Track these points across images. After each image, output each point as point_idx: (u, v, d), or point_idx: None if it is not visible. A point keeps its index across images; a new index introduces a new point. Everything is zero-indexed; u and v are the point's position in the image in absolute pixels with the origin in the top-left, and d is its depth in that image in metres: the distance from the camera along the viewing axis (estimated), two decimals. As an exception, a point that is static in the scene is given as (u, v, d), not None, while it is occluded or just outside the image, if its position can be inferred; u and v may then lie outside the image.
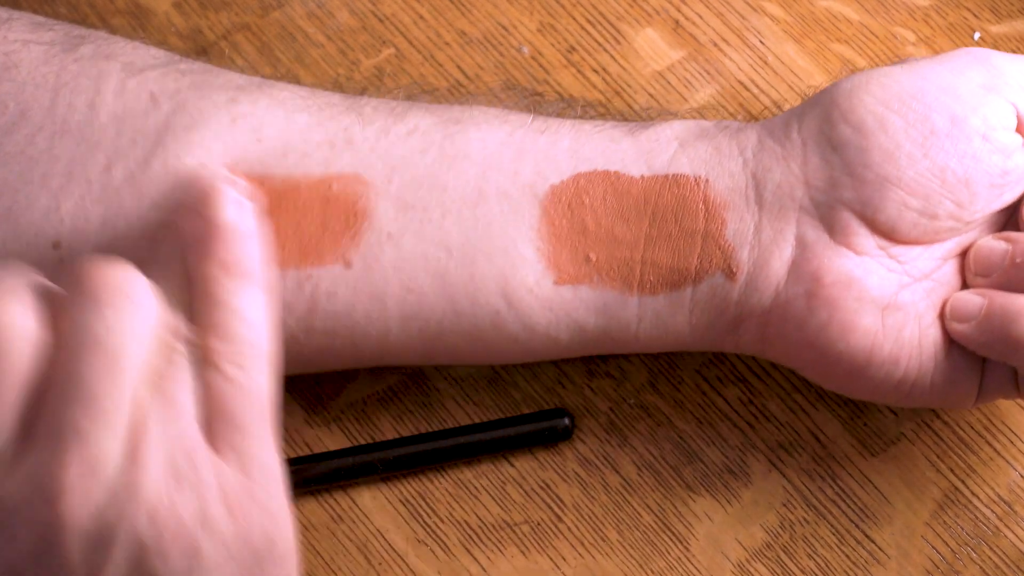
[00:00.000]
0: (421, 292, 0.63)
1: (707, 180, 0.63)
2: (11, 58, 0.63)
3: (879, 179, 0.61)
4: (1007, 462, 0.67)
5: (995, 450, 0.67)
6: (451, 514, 0.67)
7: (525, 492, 0.67)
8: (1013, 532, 0.66)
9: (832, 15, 0.75)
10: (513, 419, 0.67)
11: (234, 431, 0.55)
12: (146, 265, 0.57)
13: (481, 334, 0.63)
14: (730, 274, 0.63)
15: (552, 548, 0.66)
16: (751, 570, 0.66)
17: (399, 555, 0.66)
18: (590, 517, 0.67)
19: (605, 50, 0.74)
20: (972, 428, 0.68)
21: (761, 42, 0.74)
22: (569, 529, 0.66)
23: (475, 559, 0.66)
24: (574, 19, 0.75)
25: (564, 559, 0.66)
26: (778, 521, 0.66)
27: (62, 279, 0.54)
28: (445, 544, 0.66)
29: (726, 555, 0.66)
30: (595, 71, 0.74)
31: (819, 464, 0.67)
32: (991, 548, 0.66)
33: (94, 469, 0.52)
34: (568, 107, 0.70)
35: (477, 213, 0.63)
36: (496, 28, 0.75)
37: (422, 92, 0.72)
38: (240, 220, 0.58)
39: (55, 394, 0.53)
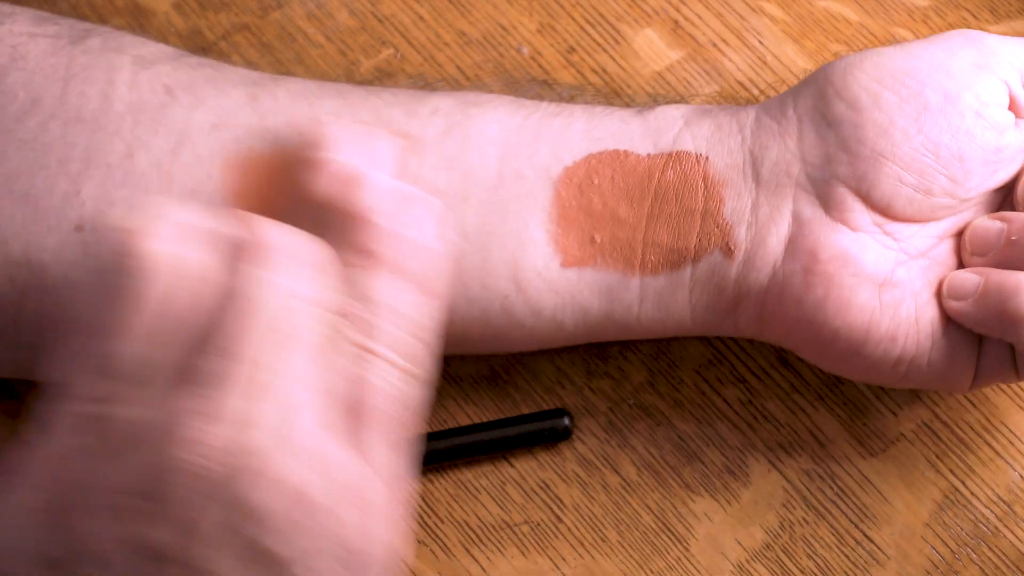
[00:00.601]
0: None
1: (707, 157, 0.63)
2: (18, 50, 0.63)
3: (874, 154, 0.62)
4: (1007, 463, 0.67)
5: (994, 451, 0.67)
6: (451, 514, 0.67)
7: (525, 492, 0.67)
8: (1012, 532, 0.66)
9: (831, 15, 0.75)
10: (513, 419, 0.67)
11: (367, 428, 0.54)
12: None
13: (490, 319, 0.63)
14: (728, 252, 0.63)
15: (552, 548, 0.66)
16: (751, 570, 0.66)
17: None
18: (590, 517, 0.67)
19: (604, 50, 0.74)
20: (972, 428, 0.68)
21: (760, 42, 0.74)
22: (569, 529, 0.66)
23: (475, 559, 0.66)
24: (573, 19, 0.75)
25: (564, 559, 0.66)
26: (778, 521, 0.66)
27: (244, 232, 0.53)
28: (445, 544, 0.66)
29: (726, 555, 0.66)
30: (594, 71, 0.74)
31: (818, 464, 0.67)
32: (990, 548, 0.66)
33: (217, 420, 0.51)
34: (578, 93, 0.71)
35: (495, 197, 0.63)
36: (496, 28, 0.75)
37: (425, 84, 0.72)
38: (430, 233, 0.57)
39: (207, 339, 0.52)
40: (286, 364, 0.53)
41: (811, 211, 0.62)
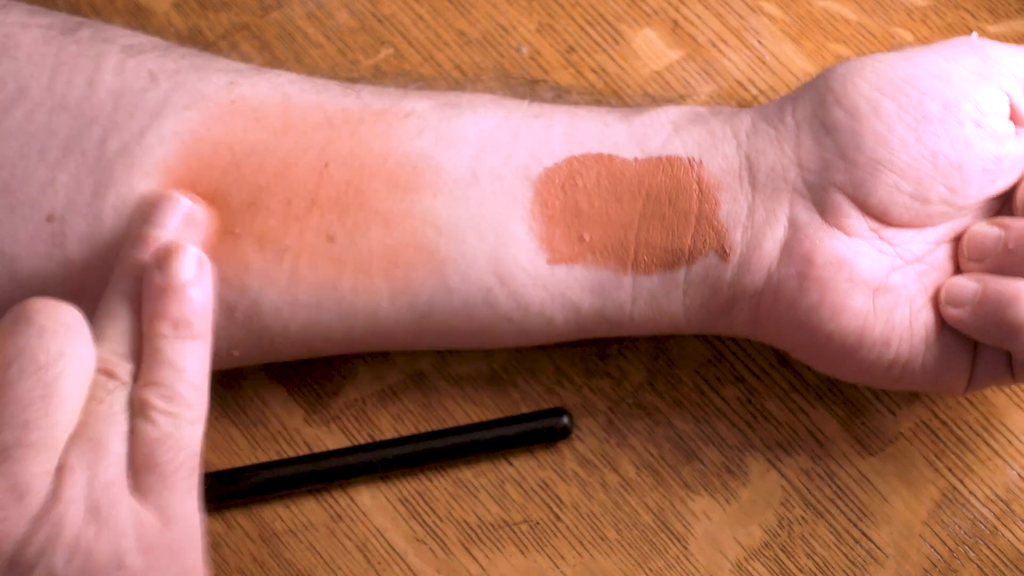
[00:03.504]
0: (409, 266, 0.63)
1: (700, 162, 0.63)
2: (10, 39, 0.64)
3: (871, 162, 0.62)
4: (1005, 461, 0.67)
5: (993, 449, 0.67)
6: (450, 513, 0.67)
7: (524, 491, 0.67)
8: (1010, 531, 0.66)
9: (830, 15, 0.75)
10: (512, 418, 0.67)
11: (158, 481, 0.56)
12: (94, 303, 0.59)
13: (473, 311, 0.64)
14: (723, 254, 0.63)
15: (551, 547, 0.66)
16: (749, 569, 0.66)
17: (398, 554, 0.66)
18: (589, 516, 0.67)
19: (604, 50, 0.75)
20: (970, 427, 0.68)
21: (759, 42, 0.75)
22: (568, 528, 0.67)
23: (474, 558, 0.66)
24: (573, 19, 0.75)
25: (563, 558, 0.66)
26: (776, 520, 0.66)
27: (5, 313, 0.56)
28: (444, 543, 0.66)
29: (724, 554, 0.66)
30: (594, 71, 0.74)
31: (817, 463, 0.67)
32: (988, 547, 0.66)
33: (21, 497, 0.53)
34: (560, 96, 0.71)
35: (469, 193, 0.63)
36: (495, 28, 0.75)
37: (424, 84, 0.72)
38: (197, 279, 0.59)
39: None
40: (69, 432, 0.55)
41: (807, 216, 0.62)
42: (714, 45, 0.75)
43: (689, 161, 0.63)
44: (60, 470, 0.54)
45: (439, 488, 0.67)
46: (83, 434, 0.55)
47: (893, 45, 0.74)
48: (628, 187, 0.63)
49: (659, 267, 0.63)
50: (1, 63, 0.63)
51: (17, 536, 0.53)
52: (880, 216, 0.62)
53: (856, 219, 0.62)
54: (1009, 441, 0.67)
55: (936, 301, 0.63)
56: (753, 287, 0.63)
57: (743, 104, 0.73)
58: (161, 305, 0.59)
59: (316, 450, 0.68)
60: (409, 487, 0.67)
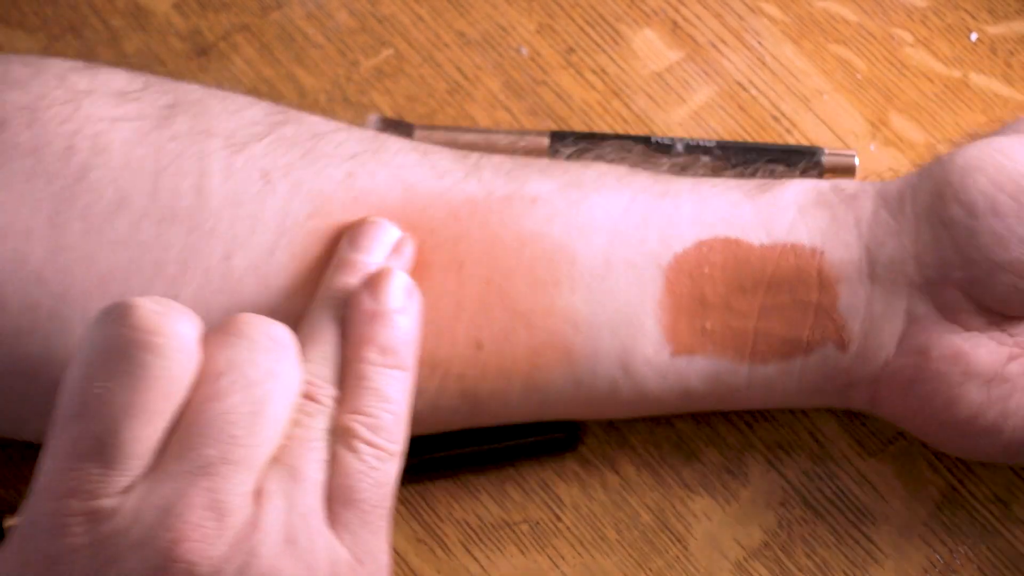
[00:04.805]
0: (548, 367, 0.62)
1: (823, 252, 0.62)
2: (99, 141, 0.60)
3: (988, 262, 0.60)
4: (1004, 462, 0.67)
5: (992, 450, 0.67)
6: (450, 513, 0.67)
7: (524, 491, 0.67)
8: (1010, 532, 0.66)
9: (830, 16, 0.75)
10: (517, 427, 0.67)
11: (355, 515, 0.54)
12: (298, 324, 0.57)
13: (596, 401, 0.63)
14: (841, 346, 0.62)
15: (551, 547, 0.66)
16: (749, 569, 0.66)
17: (399, 554, 0.66)
18: (589, 516, 0.67)
19: (604, 51, 0.75)
20: (970, 428, 0.68)
21: (759, 43, 0.75)
22: (568, 528, 0.67)
23: (474, 558, 0.66)
24: (573, 20, 0.75)
25: (563, 558, 0.66)
26: (776, 520, 0.66)
27: (215, 326, 0.54)
28: (444, 543, 0.66)
29: (724, 554, 0.66)
30: (593, 72, 0.74)
31: (817, 464, 0.67)
32: (989, 548, 0.66)
33: (222, 517, 0.51)
34: (691, 164, 0.69)
35: (604, 286, 0.62)
36: (495, 29, 0.75)
37: (427, 84, 0.72)
38: (407, 307, 0.58)
39: (197, 426, 0.52)
40: (281, 454, 0.53)
41: (924, 310, 0.62)
42: (714, 46, 0.75)
43: (812, 251, 0.62)
44: (258, 494, 0.52)
45: (439, 488, 0.67)
46: (283, 459, 0.53)
47: (893, 46, 0.74)
48: (752, 274, 0.62)
49: (776, 357, 0.63)
50: (95, 170, 0.60)
51: (213, 559, 0.50)
52: (999, 311, 0.61)
53: (974, 315, 0.61)
54: (1009, 441, 0.68)
55: None
56: (869, 375, 0.62)
57: (744, 106, 0.73)
58: (370, 331, 0.56)
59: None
60: (409, 487, 0.67)
